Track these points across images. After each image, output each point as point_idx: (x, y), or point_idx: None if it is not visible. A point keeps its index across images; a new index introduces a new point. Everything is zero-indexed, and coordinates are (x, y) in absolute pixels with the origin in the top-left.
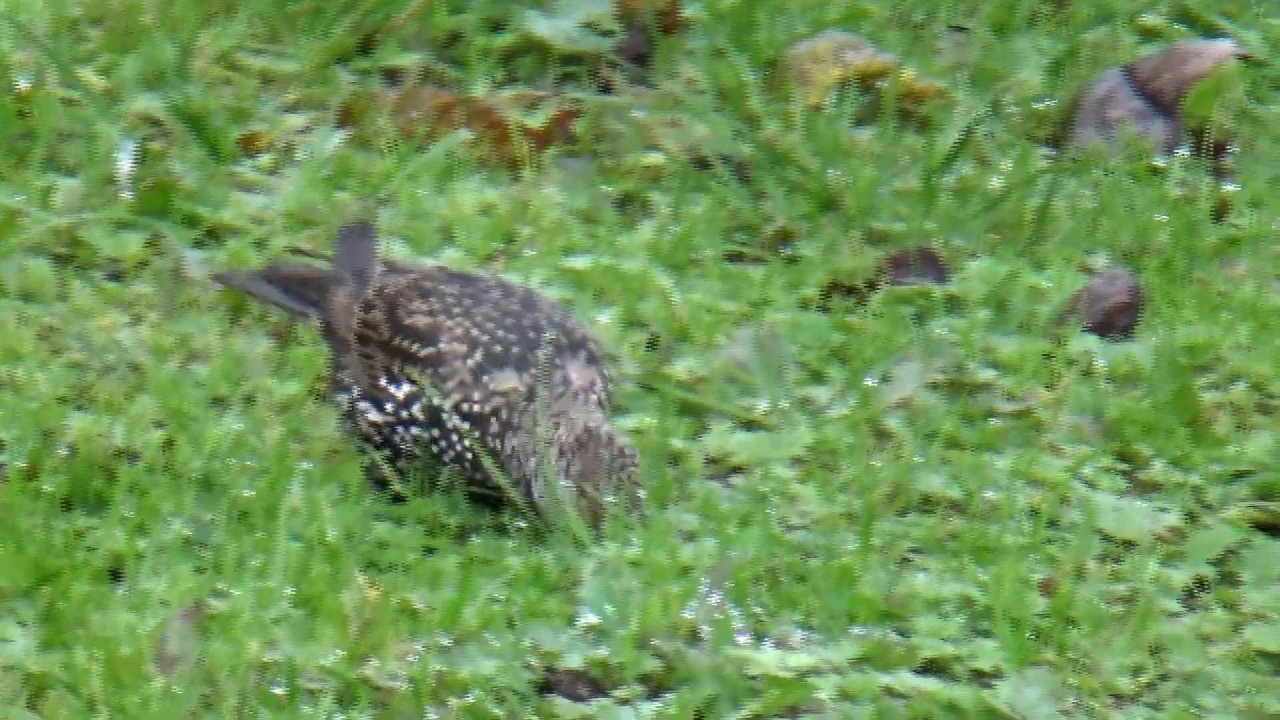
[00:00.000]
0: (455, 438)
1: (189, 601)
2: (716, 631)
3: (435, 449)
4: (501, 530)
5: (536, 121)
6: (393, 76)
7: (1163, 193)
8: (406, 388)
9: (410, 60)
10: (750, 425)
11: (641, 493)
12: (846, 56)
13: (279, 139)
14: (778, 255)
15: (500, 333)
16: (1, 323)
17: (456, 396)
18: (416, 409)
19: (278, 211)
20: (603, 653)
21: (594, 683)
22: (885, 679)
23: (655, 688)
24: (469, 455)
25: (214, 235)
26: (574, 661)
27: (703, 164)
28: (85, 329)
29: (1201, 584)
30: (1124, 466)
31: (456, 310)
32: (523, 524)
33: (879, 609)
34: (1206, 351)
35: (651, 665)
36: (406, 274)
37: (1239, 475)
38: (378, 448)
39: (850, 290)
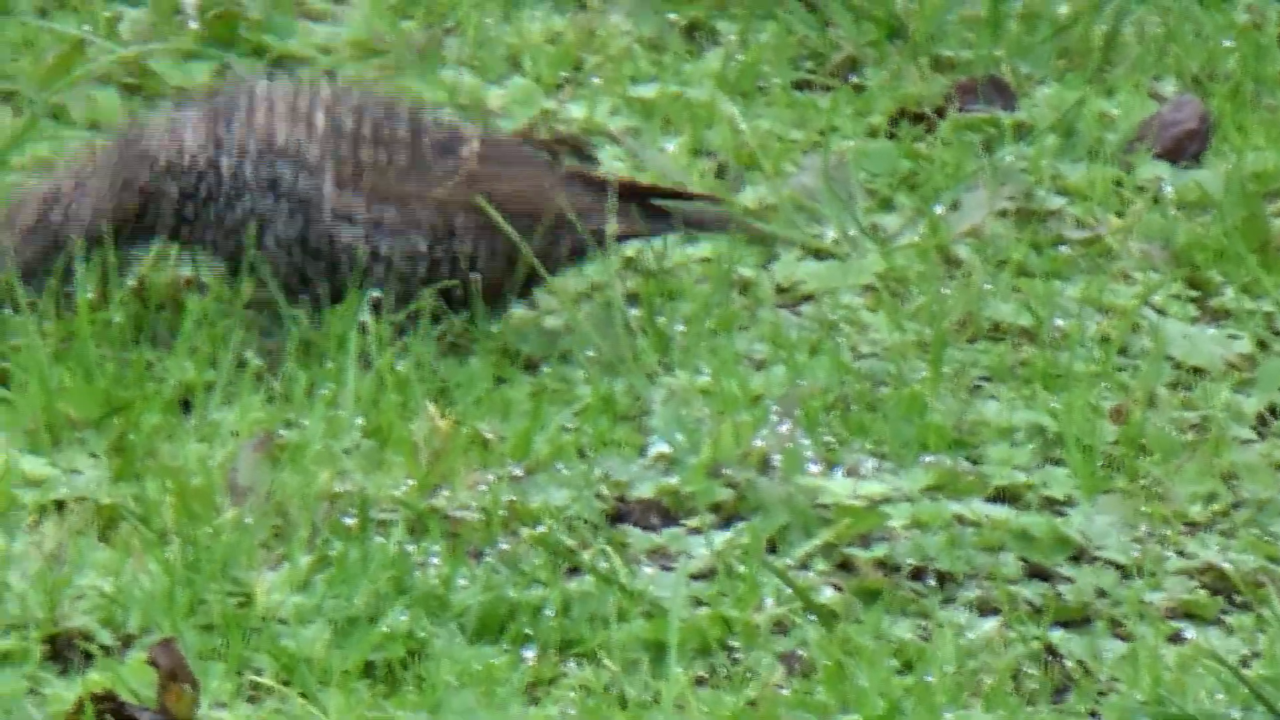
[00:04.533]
0: None
1: (259, 432)
2: (787, 460)
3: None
4: (569, 359)
5: None
6: None
7: (1230, 19)
8: None
9: None
10: (819, 253)
11: None
12: None
13: None
14: (845, 83)
15: None
16: (70, 153)
17: None
18: None
19: (344, 40)
20: (673, 481)
21: (665, 511)
22: (956, 507)
23: (726, 517)
24: None
25: (281, 64)
26: (645, 491)
27: None
28: None
29: (1273, 412)
30: (1194, 294)
31: None
32: (591, 353)
33: (949, 437)
34: (1276, 178)
35: (722, 494)
36: None
37: None
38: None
39: (918, 118)
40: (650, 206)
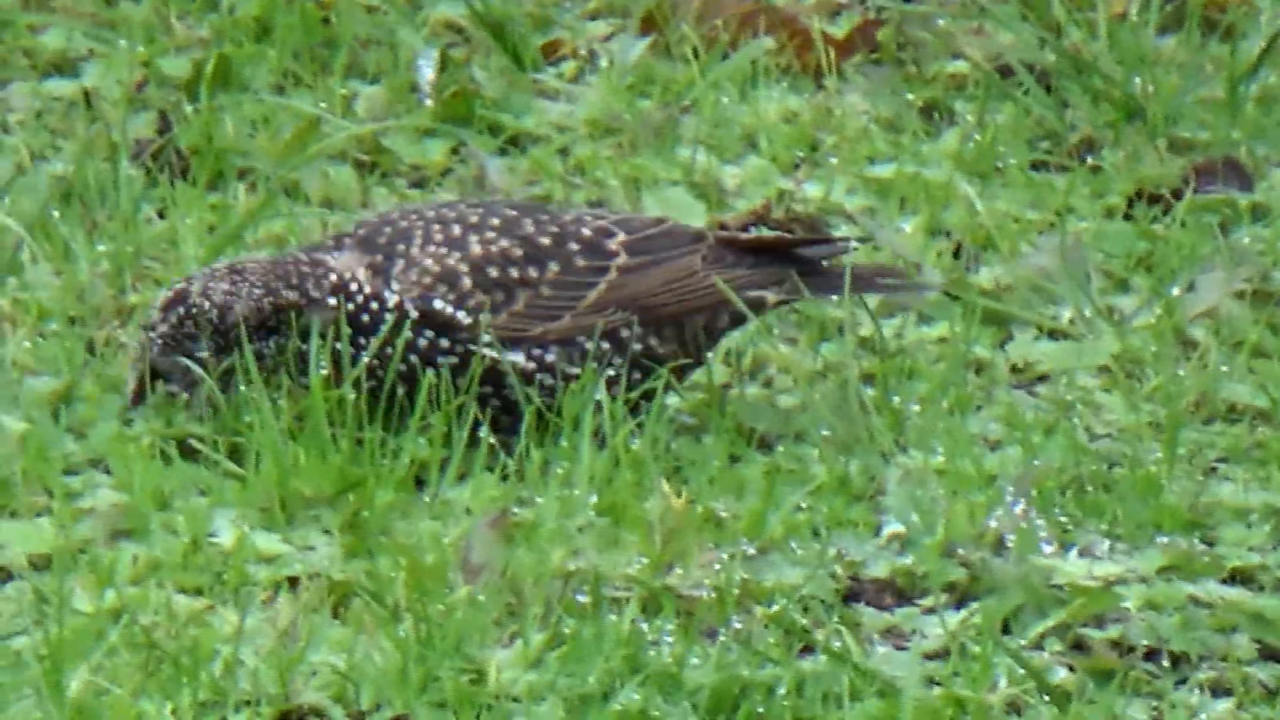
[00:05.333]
0: None
1: (493, 509)
2: (1021, 540)
3: None
4: (804, 438)
5: (839, 29)
6: None
7: None
8: None
9: None
10: (1054, 334)
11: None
12: None
13: (581, 46)
14: (1081, 164)
15: None
16: (305, 230)
17: None
18: None
19: (580, 119)
20: (907, 561)
21: (899, 591)
22: (1190, 588)
23: (960, 596)
24: None
25: (515, 143)
26: (878, 570)
27: (1006, 72)
28: None
29: None
30: None
31: None
32: (826, 432)
33: (1184, 518)
34: None
35: (956, 574)
36: None
37: None
38: None
39: (1155, 199)
40: (815, 269)
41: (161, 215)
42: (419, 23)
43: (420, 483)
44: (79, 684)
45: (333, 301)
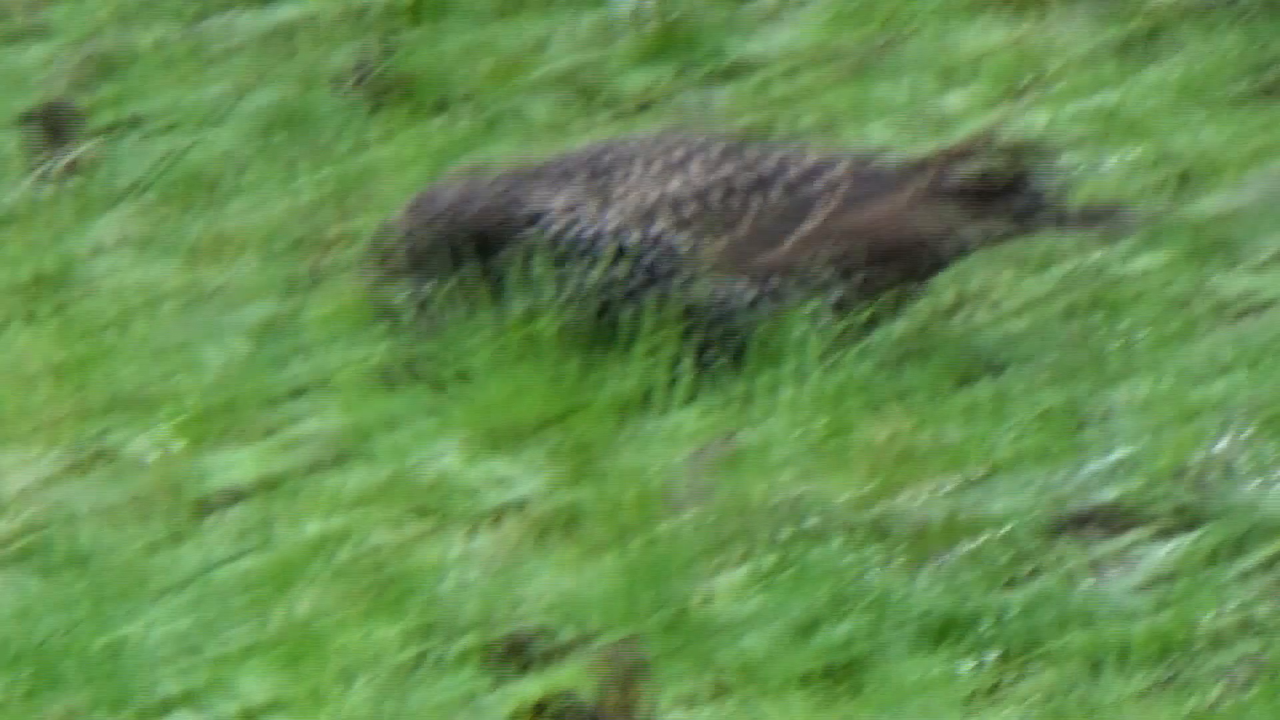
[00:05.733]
0: None
1: (718, 434)
2: (1246, 466)
3: None
4: (1030, 363)
5: None
6: None
7: None
8: None
9: None
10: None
11: None
12: None
13: None
14: None
15: None
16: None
17: None
18: None
19: (799, 47)
20: (1132, 487)
21: (1123, 517)
22: None
23: (1185, 522)
24: None
25: (733, 72)
26: (1103, 496)
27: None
28: None
29: None
30: None
31: None
32: (1052, 358)
33: None
34: None
35: (1181, 499)
36: None
37: None
38: None
39: None
40: (1037, 203)
41: (379, 142)
42: None
43: (644, 407)
44: (302, 607)
45: (555, 227)
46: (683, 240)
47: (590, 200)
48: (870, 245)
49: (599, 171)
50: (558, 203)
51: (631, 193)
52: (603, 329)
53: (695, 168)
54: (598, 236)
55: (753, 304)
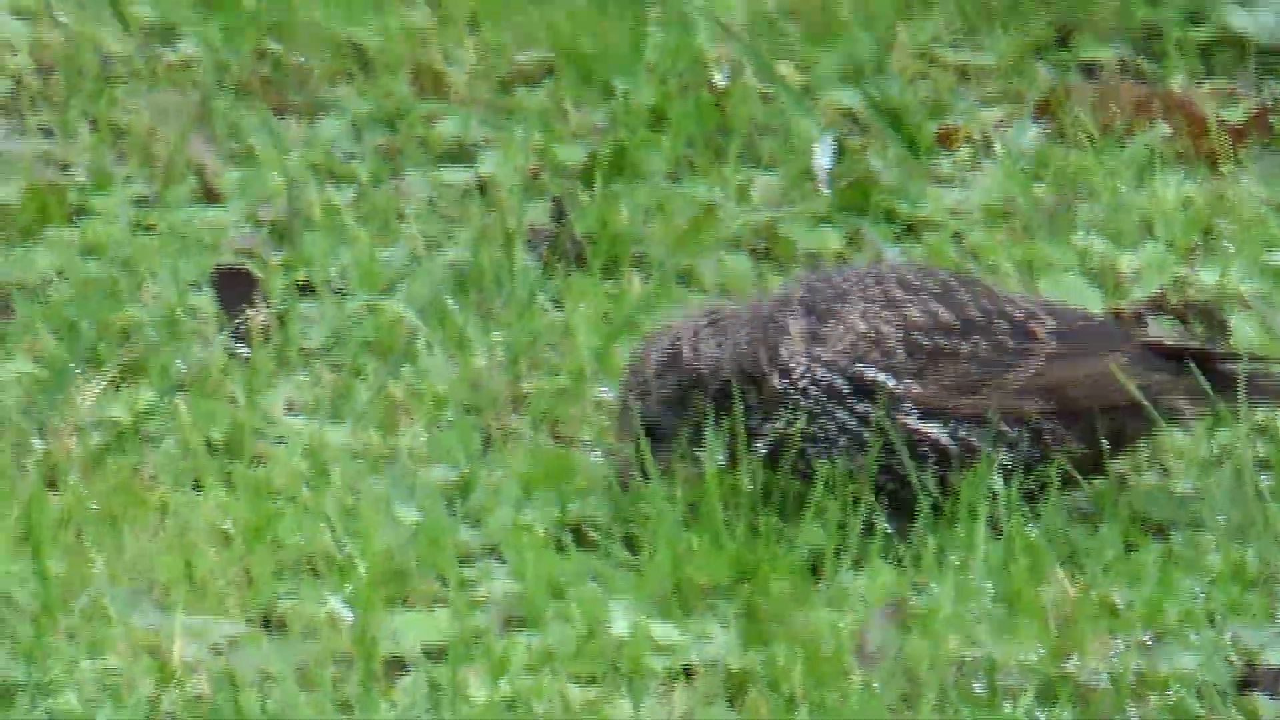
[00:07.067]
0: None
1: (890, 598)
2: None
3: None
4: (1200, 525)
5: (1235, 115)
6: (1090, 69)
7: None
8: None
9: (1108, 53)
10: None
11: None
12: None
13: (976, 133)
14: None
15: None
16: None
17: None
18: None
19: (975, 205)
20: None
21: None
22: None
23: None
24: None
25: (912, 231)
26: (1275, 657)
27: None
28: None
29: None
30: None
31: None
32: (1222, 519)
33: None
34: None
35: None
36: None
37: None
38: None
39: None
40: (1225, 377)
41: (556, 303)
42: (814, 110)
43: (815, 570)
44: None
45: (779, 382)
46: (885, 379)
47: (808, 341)
48: (1064, 408)
49: (817, 306)
50: (785, 352)
51: (846, 331)
52: (796, 476)
53: (912, 307)
54: (806, 379)
55: (941, 452)
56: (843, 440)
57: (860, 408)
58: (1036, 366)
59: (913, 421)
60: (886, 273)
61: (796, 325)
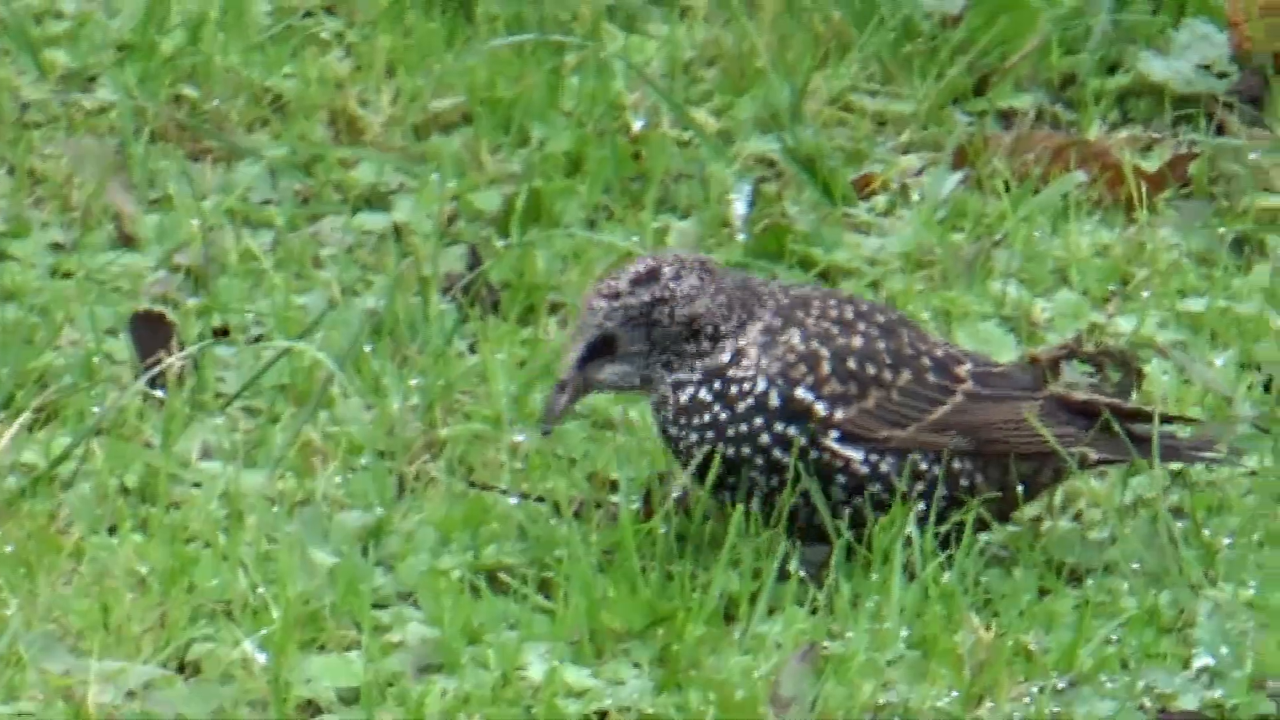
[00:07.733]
0: None
1: (804, 643)
2: None
3: None
4: (1114, 571)
5: (1151, 164)
6: (1007, 117)
7: None
8: None
9: (1025, 101)
10: None
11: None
12: None
13: (894, 180)
14: None
15: None
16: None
17: None
18: None
19: (893, 253)
20: (1218, 695)
21: None
22: None
23: None
24: None
25: (827, 277)
26: (1189, 703)
27: None
28: None
29: None
30: None
31: None
32: (1136, 565)
33: None
34: None
35: (1267, 708)
36: None
37: None
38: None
39: None
40: (1133, 431)
41: (472, 350)
42: (730, 157)
43: (730, 615)
44: None
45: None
46: (815, 402)
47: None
48: (979, 451)
49: (780, 312)
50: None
51: (787, 350)
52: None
53: (857, 332)
54: (747, 388)
55: (860, 483)
56: (760, 461)
57: (782, 428)
58: (955, 404)
59: (833, 444)
60: (846, 298)
61: (760, 322)
